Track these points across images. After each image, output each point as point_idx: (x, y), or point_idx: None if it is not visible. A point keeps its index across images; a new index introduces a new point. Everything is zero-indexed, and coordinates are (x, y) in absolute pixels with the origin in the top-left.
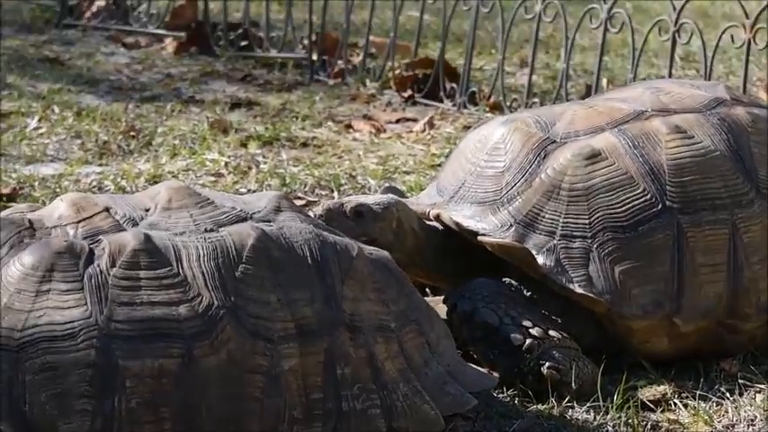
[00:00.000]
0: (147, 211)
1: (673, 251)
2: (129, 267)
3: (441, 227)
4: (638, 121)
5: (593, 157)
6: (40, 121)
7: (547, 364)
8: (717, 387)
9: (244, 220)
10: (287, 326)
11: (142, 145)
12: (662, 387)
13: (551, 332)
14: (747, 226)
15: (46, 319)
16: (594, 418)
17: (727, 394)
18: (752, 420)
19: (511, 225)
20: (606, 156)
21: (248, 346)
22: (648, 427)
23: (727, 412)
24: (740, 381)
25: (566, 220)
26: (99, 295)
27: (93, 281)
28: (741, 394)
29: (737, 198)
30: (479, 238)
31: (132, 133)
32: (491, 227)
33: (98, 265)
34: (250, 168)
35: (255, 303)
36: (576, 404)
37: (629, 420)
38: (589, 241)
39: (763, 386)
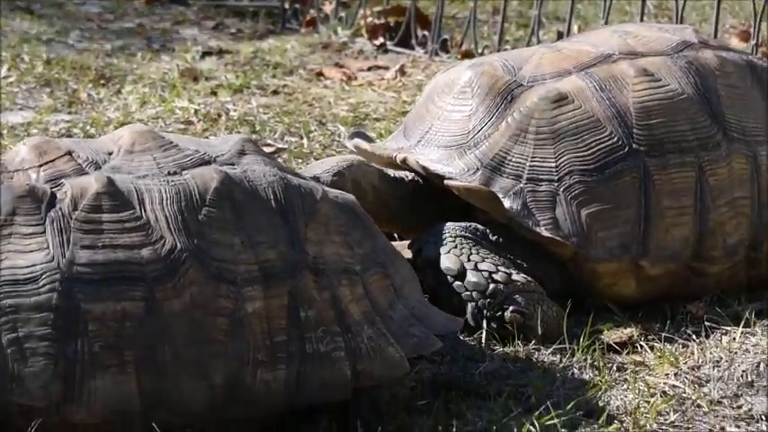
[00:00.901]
0: (111, 154)
1: (639, 194)
2: (92, 210)
3: (408, 177)
4: (606, 64)
5: (560, 100)
6: (9, 69)
7: (510, 308)
8: (683, 329)
9: (207, 163)
10: (250, 268)
11: (112, 93)
12: (628, 330)
13: (515, 276)
14: (714, 169)
15: (8, 263)
16: (560, 360)
17: (694, 336)
18: (717, 362)
19: (477, 169)
20: (573, 99)
21: (211, 289)
22: (614, 368)
23: (692, 354)
24: (706, 323)
25: (532, 164)
26: (61, 239)
27: (55, 224)
28: (707, 336)
29: (704, 141)
30: (446, 181)
31: (102, 81)
32: (458, 170)
33: (60, 209)
34: (220, 116)
35: (218, 246)
36: (542, 347)
37: (595, 362)
38: (556, 184)
39: (728, 328)
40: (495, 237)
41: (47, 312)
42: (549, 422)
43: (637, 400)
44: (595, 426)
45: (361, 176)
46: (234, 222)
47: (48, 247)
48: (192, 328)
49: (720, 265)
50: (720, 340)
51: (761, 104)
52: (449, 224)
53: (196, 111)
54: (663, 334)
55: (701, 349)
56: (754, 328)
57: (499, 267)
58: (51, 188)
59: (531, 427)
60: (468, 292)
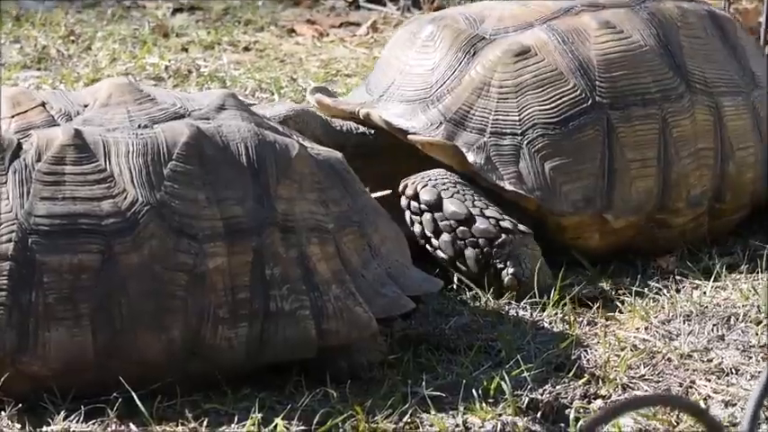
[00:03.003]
0: (86, 107)
1: (603, 147)
2: (55, 162)
3: (356, 130)
4: (568, 16)
5: (523, 53)
6: None
7: (510, 270)
8: (653, 284)
9: (181, 117)
10: (214, 224)
11: (81, 50)
12: (599, 284)
13: (520, 226)
14: (677, 120)
15: None
16: (531, 314)
17: (664, 291)
18: (688, 315)
19: (441, 123)
20: (536, 52)
21: (171, 244)
22: (585, 323)
23: (663, 308)
24: (677, 277)
25: (496, 117)
26: (21, 189)
27: (17, 175)
28: (678, 291)
29: (667, 93)
30: (409, 137)
31: (72, 38)
32: (421, 125)
33: (24, 160)
34: (191, 72)
35: (182, 201)
36: (512, 301)
37: (566, 317)
38: (519, 138)
39: (699, 282)
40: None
41: (3, 262)
42: (519, 376)
43: (607, 354)
44: (566, 379)
45: (304, 125)
46: (201, 177)
47: (8, 198)
48: (151, 282)
49: (684, 217)
50: (691, 294)
51: (722, 55)
52: (441, 170)
53: (167, 67)
54: (633, 288)
55: (672, 303)
56: (725, 282)
57: (503, 215)
58: (19, 139)
59: (501, 381)
60: (473, 239)
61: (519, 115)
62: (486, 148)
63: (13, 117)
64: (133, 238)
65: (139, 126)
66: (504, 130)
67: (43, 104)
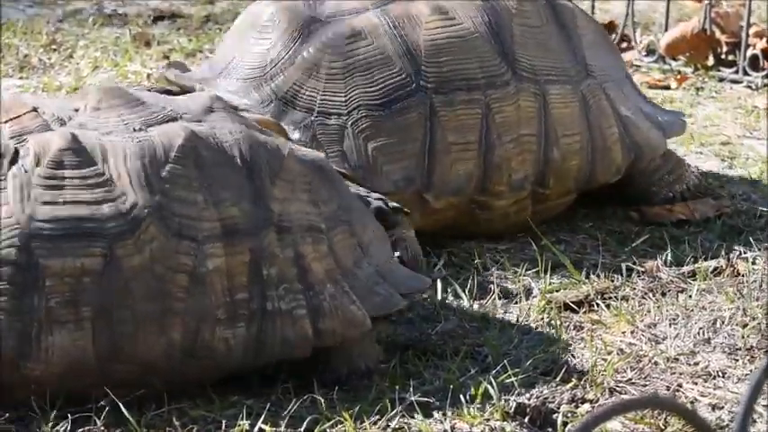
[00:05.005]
0: (77, 111)
1: (425, 129)
2: (54, 167)
3: None
4: (404, 1)
5: (353, 36)
6: None
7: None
8: (639, 287)
9: (173, 120)
10: (213, 225)
11: (63, 58)
12: (584, 288)
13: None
14: (501, 106)
15: None
16: (517, 319)
17: (650, 294)
18: (674, 319)
19: (271, 101)
20: (366, 35)
21: (172, 246)
22: (571, 327)
23: (649, 312)
24: (662, 280)
25: (323, 98)
26: (22, 194)
27: (16, 180)
28: (663, 294)
29: (492, 79)
30: (240, 113)
31: (53, 46)
32: (252, 102)
33: (23, 165)
34: None
35: (181, 203)
36: (498, 307)
37: (552, 321)
38: (344, 118)
39: (684, 285)
40: None
41: (5, 267)
42: (506, 380)
43: (594, 358)
44: (553, 384)
45: None
46: (198, 179)
47: (9, 203)
48: (152, 284)
49: (506, 200)
50: (677, 298)
51: (558, 43)
52: None
53: (149, 75)
54: (619, 293)
55: (658, 307)
56: (711, 286)
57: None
58: (15, 144)
59: (489, 386)
60: None
61: (345, 96)
62: (312, 127)
63: (6, 122)
64: (134, 241)
65: (134, 129)
66: (330, 111)
67: (35, 109)
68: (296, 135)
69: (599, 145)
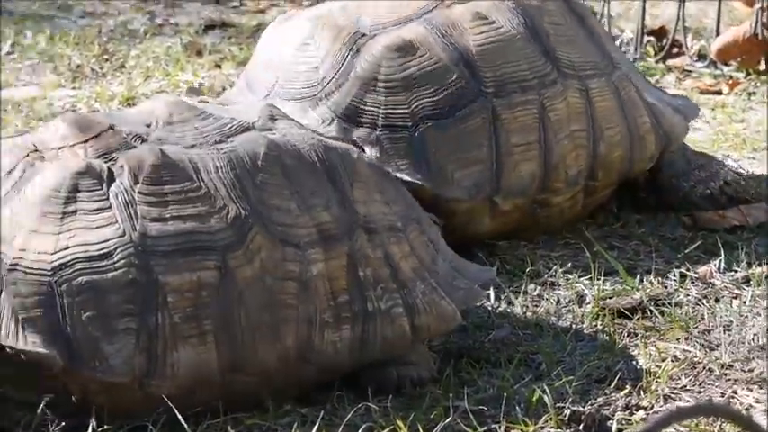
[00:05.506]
0: (149, 126)
1: (489, 134)
2: (153, 183)
3: None
4: (441, 9)
5: (406, 47)
6: (12, 46)
7: None
8: (692, 294)
9: (248, 129)
10: (309, 231)
11: (115, 68)
12: (637, 294)
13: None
14: (553, 104)
15: (77, 239)
16: (571, 326)
17: (703, 300)
18: (728, 325)
19: (333, 119)
20: (418, 46)
21: (279, 254)
22: (625, 334)
23: (703, 318)
24: (716, 287)
25: (386, 111)
26: (128, 213)
27: (119, 198)
28: (717, 300)
29: (542, 78)
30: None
31: (105, 56)
32: (313, 123)
33: (121, 183)
34: (224, 89)
35: (279, 211)
36: (551, 315)
37: (605, 328)
38: (410, 130)
39: (738, 291)
40: None
41: (124, 287)
42: (560, 388)
43: (648, 365)
44: (607, 391)
45: None
46: (287, 187)
47: (117, 222)
48: (264, 293)
49: (563, 196)
50: (731, 304)
51: (581, 39)
52: None
53: (200, 84)
54: (673, 299)
55: (712, 313)
56: (764, 291)
57: None
58: (105, 163)
59: (543, 394)
60: None
61: (408, 108)
62: (379, 142)
63: (86, 142)
64: (244, 251)
65: (216, 141)
66: (395, 124)
67: (112, 127)
68: (367, 151)
69: (635, 135)
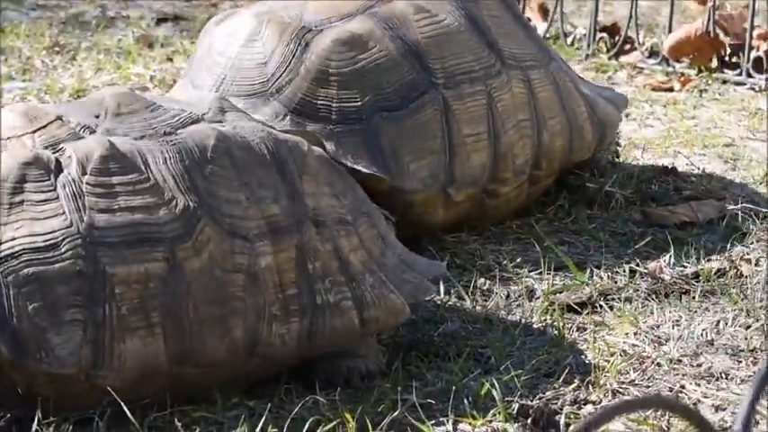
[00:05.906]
0: (98, 117)
1: (442, 125)
2: (101, 174)
3: None
4: (383, 4)
5: (355, 40)
6: None
7: None
8: (642, 289)
9: (198, 121)
10: (258, 224)
11: (66, 60)
12: (587, 289)
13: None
14: (500, 95)
15: (25, 230)
16: (520, 321)
17: (653, 296)
18: (677, 320)
19: (285, 114)
20: (367, 39)
21: (227, 246)
22: (574, 328)
23: (652, 313)
24: (665, 282)
25: (339, 105)
26: (76, 204)
27: (67, 189)
28: (666, 296)
29: (488, 69)
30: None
31: (56, 49)
32: (266, 118)
33: (69, 174)
34: (176, 82)
35: (228, 203)
36: (501, 309)
37: (554, 323)
38: (365, 123)
39: (687, 287)
40: None
41: (71, 278)
42: (509, 382)
43: (597, 360)
44: (556, 385)
45: None
46: (237, 179)
47: (64, 213)
48: (212, 285)
49: (510, 186)
50: (680, 299)
51: (518, 32)
52: None
53: (152, 77)
54: (622, 294)
55: (661, 308)
56: (714, 287)
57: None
58: (53, 154)
59: (492, 388)
60: None
61: (361, 101)
62: (334, 135)
63: (34, 132)
64: (192, 243)
65: (164, 133)
66: (349, 117)
67: (60, 118)
68: (327, 146)
69: (574, 124)
